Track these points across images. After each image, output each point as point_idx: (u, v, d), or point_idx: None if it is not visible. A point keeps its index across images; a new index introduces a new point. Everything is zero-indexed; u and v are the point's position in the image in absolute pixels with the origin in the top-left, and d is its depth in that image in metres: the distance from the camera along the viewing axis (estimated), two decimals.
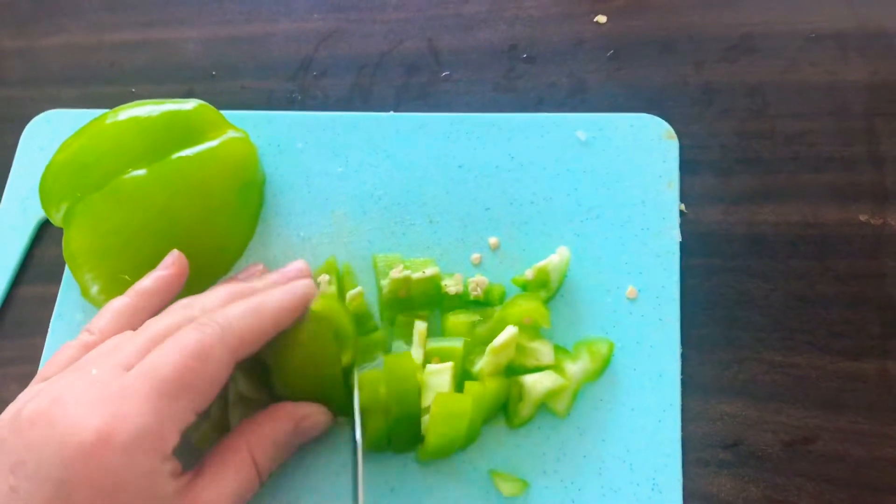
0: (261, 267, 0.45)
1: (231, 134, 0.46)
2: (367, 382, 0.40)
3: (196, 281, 0.45)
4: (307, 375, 0.39)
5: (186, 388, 0.33)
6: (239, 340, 0.35)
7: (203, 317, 0.36)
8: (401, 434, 0.40)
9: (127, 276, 0.42)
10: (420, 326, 0.42)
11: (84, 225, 0.43)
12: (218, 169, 0.45)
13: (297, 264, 0.43)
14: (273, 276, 0.42)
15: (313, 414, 0.39)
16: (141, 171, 0.43)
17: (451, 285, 0.43)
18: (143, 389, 0.32)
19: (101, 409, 0.32)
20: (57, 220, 0.44)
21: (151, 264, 0.42)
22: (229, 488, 0.35)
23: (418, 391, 0.40)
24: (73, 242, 0.43)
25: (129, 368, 0.34)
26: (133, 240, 0.43)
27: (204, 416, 0.41)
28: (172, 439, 0.33)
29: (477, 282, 0.43)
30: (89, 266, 0.43)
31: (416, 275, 0.42)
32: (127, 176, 0.42)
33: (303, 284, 0.40)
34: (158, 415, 0.32)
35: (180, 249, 0.42)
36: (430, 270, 0.43)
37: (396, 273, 0.42)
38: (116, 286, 0.42)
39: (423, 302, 0.43)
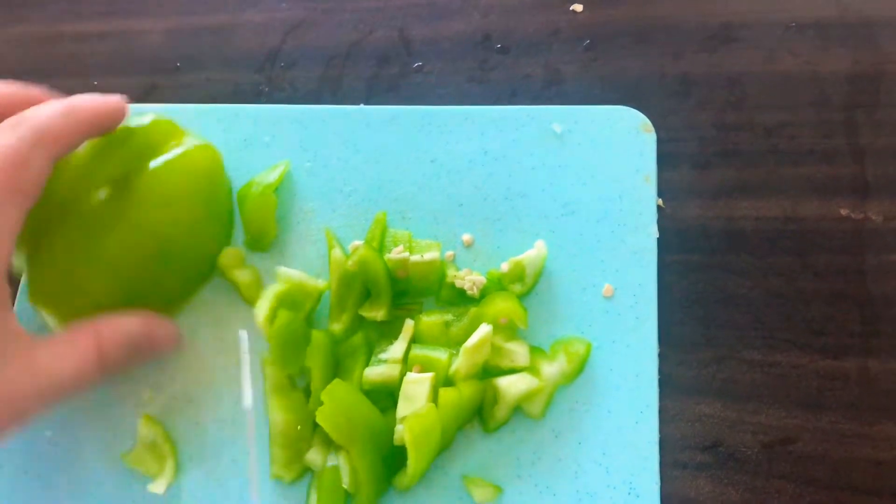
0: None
1: (193, 142, 0.43)
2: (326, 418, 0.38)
3: (182, 292, 0.44)
4: None
5: (12, 194, 0.34)
6: (56, 142, 0.36)
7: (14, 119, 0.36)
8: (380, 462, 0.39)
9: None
10: (409, 323, 0.41)
11: (55, 263, 0.39)
12: (185, 178, 0.42)
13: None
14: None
15: (168, 326, 0.41)
16: (103, 193, 0.39)
17: (459, 279, 0.42)
18: None
19: None
20: (17, 269, 0.41)
21: (137, 286, 0.40)
22: (67, 362, 0.35)
23: (381, 422, 0.39)
24: (46, 284, 0.40)
25: None
26: (112, 264, 0.39)
27: None
28: (6, 248, 0.34)
29: (474, 280, 0.42)
30: (63, 302, 0.40)
31: (415, 258, 0.42)
32: (92, 200, 0.39)
33: (116, 97, 0.40)
34: None
35: (160, 264, 0.41)
36: (429, 255, 0.42)
37: (395, 254, 0.42)
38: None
39: (421, 287, 0.42)
